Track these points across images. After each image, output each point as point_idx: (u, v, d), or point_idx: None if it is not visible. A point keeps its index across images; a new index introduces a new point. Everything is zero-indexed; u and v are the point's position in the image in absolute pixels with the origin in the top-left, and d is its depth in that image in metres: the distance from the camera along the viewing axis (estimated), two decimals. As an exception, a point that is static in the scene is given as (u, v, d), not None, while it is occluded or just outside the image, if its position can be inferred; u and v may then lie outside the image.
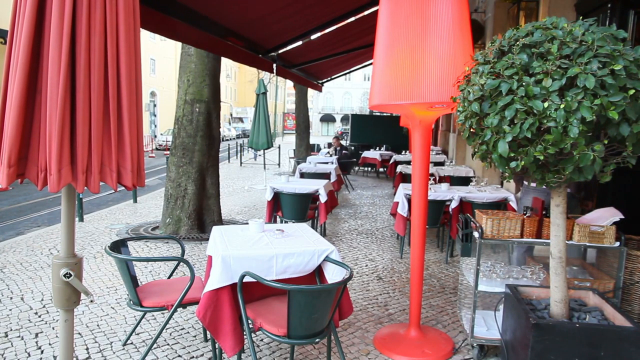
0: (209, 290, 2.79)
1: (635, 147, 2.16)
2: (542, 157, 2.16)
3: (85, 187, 1.79)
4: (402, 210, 5.61)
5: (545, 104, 2.08)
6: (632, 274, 3.27)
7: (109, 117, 1.77)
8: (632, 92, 2.02)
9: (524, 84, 2.15)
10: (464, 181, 7.45)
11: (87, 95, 1.71)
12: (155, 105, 33.64)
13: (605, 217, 3.15)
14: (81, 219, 7.25)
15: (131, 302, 3.11)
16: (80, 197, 7.21)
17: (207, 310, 2.76)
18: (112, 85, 1.76)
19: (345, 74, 13.24)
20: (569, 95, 2.06)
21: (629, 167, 2.24)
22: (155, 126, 33.04)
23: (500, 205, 5.49)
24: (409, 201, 5.45)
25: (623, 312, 2.61)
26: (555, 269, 2.60)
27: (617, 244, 3.10)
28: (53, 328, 3.58)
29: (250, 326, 2.77)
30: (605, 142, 2.15)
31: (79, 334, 3.51)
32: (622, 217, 3.10)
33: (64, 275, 1.95)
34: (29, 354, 3.20)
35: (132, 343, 3.40)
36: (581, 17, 2.29)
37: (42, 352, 3.23)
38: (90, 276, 4.75)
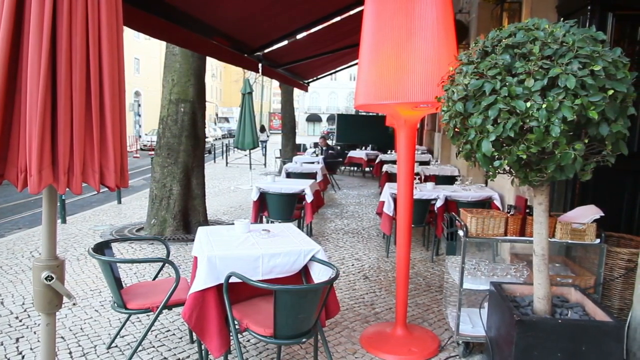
0: (195, 291, 2.77)
1: (614, 146, 2.20)
2: (524, 156, 2.20)
3: (68, 189, 1.76)
4: (388, 209, 5.63)
5: (528, 104, 2.11)
6: (612, 270, 3.34)
7: (91, 117, 1.75)
8: (610, 92, 2.06)
9: (506, 84, 2.18)
10: (449, 180, 7.51)
11: (69, 95, 1.69)
12: (139, 105, 33.27)
13: (586, 214, 3.20)
14: (64, 221, 7.14)
15: (115, 305, 3.08)
16: (63, 198, 7.10)
17: (193, 311, 2.74)
18: (94, 85, 1.73)
19: (331, 74, 13.27)
20: (551, 95, 2.10)
21: (608, 166, 2.28)
22: (140, 126, 32.68)
23: (485, 203, 5.54)
24: (395, 200, 5.48)
25: (603, 308, 2.66)
26: (538, 266, 2.64)
27: (598, 241, 3.15)
28: (34, 332, 3.52)
29: (237, 327, 2.76)
30: (586, 141, 2.19)
31: (62, 338, 3.45)
32: (603, 214, 3.16)
33: (46, 278, 1.92)
34: (9, 359, 3.14)
35: (116, 346, 3.36)
36: (562, 19, 2.33)
37: (23, 357, 3.17)
38: (73, 279, 4.68)
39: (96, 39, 1.72)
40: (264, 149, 20.19)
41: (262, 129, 23.56)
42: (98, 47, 1.72)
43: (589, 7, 4.00)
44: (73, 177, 1.73)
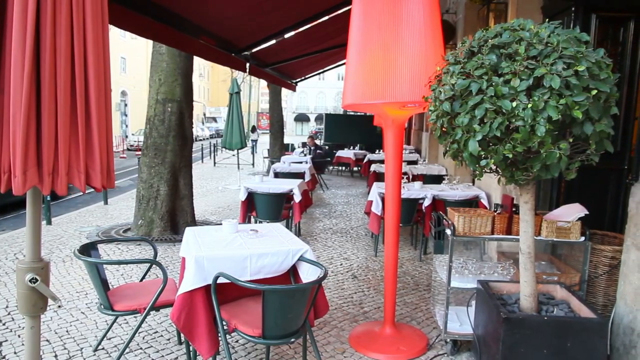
0: (183, 292, 2.75)
1: (598, 145, 2.23)
2: (510, 156, 2.22)
3: (53, 190, 1.74)
4: (376, 208, 5.65)
5: (514, 104, 2.14)
6: (596, 267, 3.39)
7: (76, 117, 1.73)
8: (594, 92, 2.09)
9: (493, 83, 2.20)
10: (437, 179, 7.56)
11: (53, 94, 1.66)
12: (126, 105, 32.94)
13: (571, 213, 3.25)
14: (49, 222, 7.04)
15: (102, 307, 3.04)
16: (48, 199, 7.01)
17: (182, 312, 2.73)
18: (80, 84, 1.71)
19: (319, 74, 13.26)
20: (536, 95, 2.12)
21: (592, 165, 2.32)
22: (127, 126, 32.37)
23: (472, 202, 5.59)
24: (383, 200, 5.50)
25: (588, 304, 2.70)
26: (524, 264, 2.67)
27: (582, 238, 3.20)
28: (19, 336, 3.47)
29: (225, 328, 2.75)
30: (571, 140, 2.22)
31: (47, 340, 3.41)
32: (587, 212, 3.21)
33: (30, 281, 1.89)
34: (-6, 362, 3.10)
35: (103, 348, 3.32)
36: (547, 20, 2.36)
37: (8, 360, 3.13)
38: (59, 281, 4.62)
39: (81, 38, 1.69)
40: (254, 148, 20.45)
41: (253, 129, 24.35)
42: (83, 46, 1.70)
43: (573, 9, 4.06)
44: (58, 177, 1.71)
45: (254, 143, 21.09)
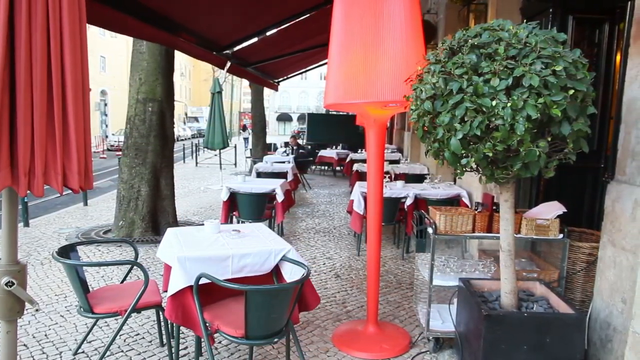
0: (172, 293, 2.77)
1: (575, 144, 2.28)
2: (491, 154, 2.25)
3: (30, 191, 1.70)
4: (358, 207, 5.67)
5: (494, 102, 2.17)
6: (574, 264, 3.45)
7: (53, 116, 1.69)
8: (571, 92, 2.13)
9: (473, 83, 2.22)
10: (419, 178, 7.62)
11: (29, 93, 1.62)
12: (106, 105, 32.40)
13: (549, 211, 3.31)
14: (26, 224, 6.89)
15: (82, 309, 2.99)
16: (25, 200, 6.85)
17: (177, 311, 2.77)
18: (56, 83, 1.67)
19: (301, 73, 13.23)
20: (515, 94, 2.15)
21: (570, 163, 2.36)
22: (107, 126, 31.84)
23: (454, 201, 5.65)
24: (365, 199, 5.52)
25: (566, 300, 2.76)
26: (504, 262, 2.71)
27: (561, 236, 3.26)
28: (-4, 340, 3.39)
29: (208, 329, 2.73)
30: (549, 139, 2.26)
31: (25, 345, 3.33)
32: (565, 210, 3.27)
33: (6, 284, 1.85)
34: (-31, 368, 3.02)
35: (83, 352, 3.27)
36: (525, 21, 2.39)
37: (-17, 365, 3.05)
38: (37, 284, 4.52)
39: (58, 35, 1.66)
40: (246, 145, 20.82)
41: (244, 128, 25.52)
42: (60, 43, 1.67)
43: (550, 10, 4.13)
44: (34, 178, 1.67)
45: (246, 141, 21.89)
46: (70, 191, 1.79)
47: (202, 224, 3.43)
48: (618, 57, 4.10)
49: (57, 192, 1.75)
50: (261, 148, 15.45)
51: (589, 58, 2.75)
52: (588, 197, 4.35)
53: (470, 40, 2.33)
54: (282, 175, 8.33)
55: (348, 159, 11.97)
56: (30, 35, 1.61)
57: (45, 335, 3.50)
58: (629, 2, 2.73)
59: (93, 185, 1.88)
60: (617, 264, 2.71)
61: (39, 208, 8.81)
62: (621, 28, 4.01)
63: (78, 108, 1.73)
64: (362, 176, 8.54)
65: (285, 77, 11.74)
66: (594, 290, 2.99)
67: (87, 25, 1.84)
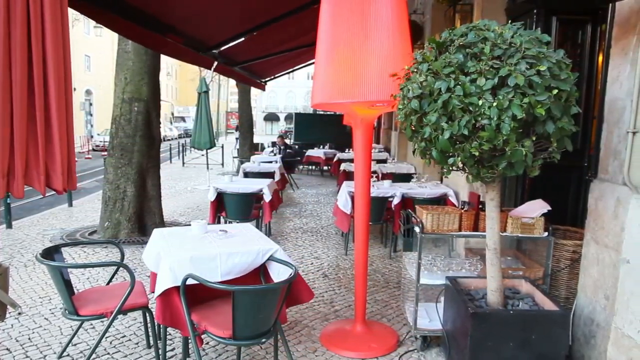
0: (159, 294, 2.75)
1: (559, 143, 2.31)
2: (477, 154, 2.27)
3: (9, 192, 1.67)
4: (345, 207, 5.68)
5: (480, 102, 2.18)
6: (559, 262, 3.50)
7: (34, 116, 1.66)
8: (555, 91, 2.16)
9: (460, 82, 2.24)
10: (406, 178, 7.65)
11: (8, 93, 1.59)
12: (91, 104, 31.98)
13: (534, 209, 3.34)
14: (9, 226, 6.78)
15: (66, 312, 2.94)
16: (8, 202, 6.74)
17: (165, 312, 2.74)
18: (38, 81, 1.64)
19: (288, 73, 13.20)
20: (501, 93, 2.18)
21: (554, 162, 2.39)
22: (92, 126, 31.43)
23: (440, 200, 5.68)
24: (353, 198, 5.53)
25: (551, 297, 2.79)
26: (490, 260, 2.74)
27: (546, 234, 3.30)
28: (-22, 344, 3.33)
29: (196, 330, 2.71)
30: (534, 139, 2.28)
31: (7, 349, 3.28)
32: (550, 208, 3.31)
33: (-12, 287, 1.82)
34: (-50, 373, 2.96)
35: (68, 355, 3.22)
36: (510, 21, 2.42)
37: (-35, 370, 3.00)
38: (20, 286, 4.45)
39: (39, 32, 1.63)
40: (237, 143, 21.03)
41: (237, 128, 25.90)
42: (42, 41, 1.64)
43: (534, 11, 4.18)
44: (14, 179, 1.64)
45: (237, 140, 22.13)
46: (54, 192, 1.76)
47: (189, 225, 3.41)
48: (600, 58, 4.16)
49: (39, 193, 1.72)
50: (248, 148, 15.39)
51: (573, 58, 2.79)
52: (572, 196, 4.41)
53: (456, 40, 2.35)
54: (269, 175, 8.30)
55: (335, 159, 11.98)
56: (9, 30, 1.58)
57: (29, 338, 3.45)
58: (610, 4, 2.78)
59: (77, 185, 1.85)
60: (600, 261, 2.75)
61: (22, 209, 8.67)
62: (603, 29, 4.07)
63: (61, 107, 1.70)
64: (349, 176, 8.56)
65: (272, 77, 11.70)
66: (578, 287, 3.04)
67: (71, 18, 1.81)
